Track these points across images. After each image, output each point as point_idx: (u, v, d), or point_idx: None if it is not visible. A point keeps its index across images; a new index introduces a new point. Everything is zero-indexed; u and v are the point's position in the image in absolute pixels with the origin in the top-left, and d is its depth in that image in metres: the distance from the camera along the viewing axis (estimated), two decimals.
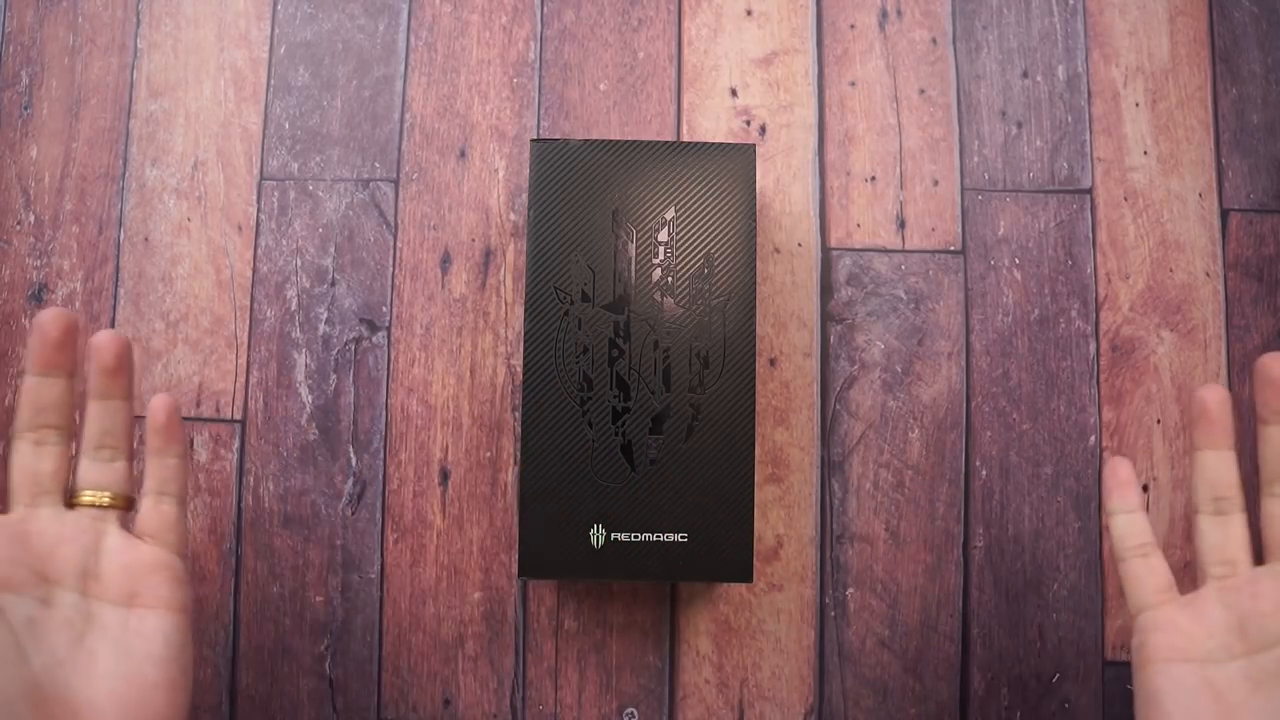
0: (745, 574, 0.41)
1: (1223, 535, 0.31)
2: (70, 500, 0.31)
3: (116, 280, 0.49)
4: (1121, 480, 0.33)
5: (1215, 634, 0.30)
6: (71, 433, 0.32)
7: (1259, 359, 0.30)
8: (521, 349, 0.49)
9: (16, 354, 0.49)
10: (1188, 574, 0.48)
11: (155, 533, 0.32)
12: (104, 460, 0.32)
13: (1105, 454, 0.48)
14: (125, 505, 0.32)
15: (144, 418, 0.47)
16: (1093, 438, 0.49)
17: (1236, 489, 0.31)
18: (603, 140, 0.43)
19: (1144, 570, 0.32)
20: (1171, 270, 0.50)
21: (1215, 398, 0.31)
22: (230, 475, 0.48)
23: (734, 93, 0.51)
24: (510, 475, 0.48)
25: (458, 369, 0.49)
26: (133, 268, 0.49)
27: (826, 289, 0.50)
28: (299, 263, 0.50)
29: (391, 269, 0.50)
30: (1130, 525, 0.33)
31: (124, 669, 0.29)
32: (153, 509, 0.32)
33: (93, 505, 0.31)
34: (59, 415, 0.30)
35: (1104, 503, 0.34)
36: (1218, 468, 0.31)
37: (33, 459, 0.30)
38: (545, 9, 0.51)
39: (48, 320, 0.30)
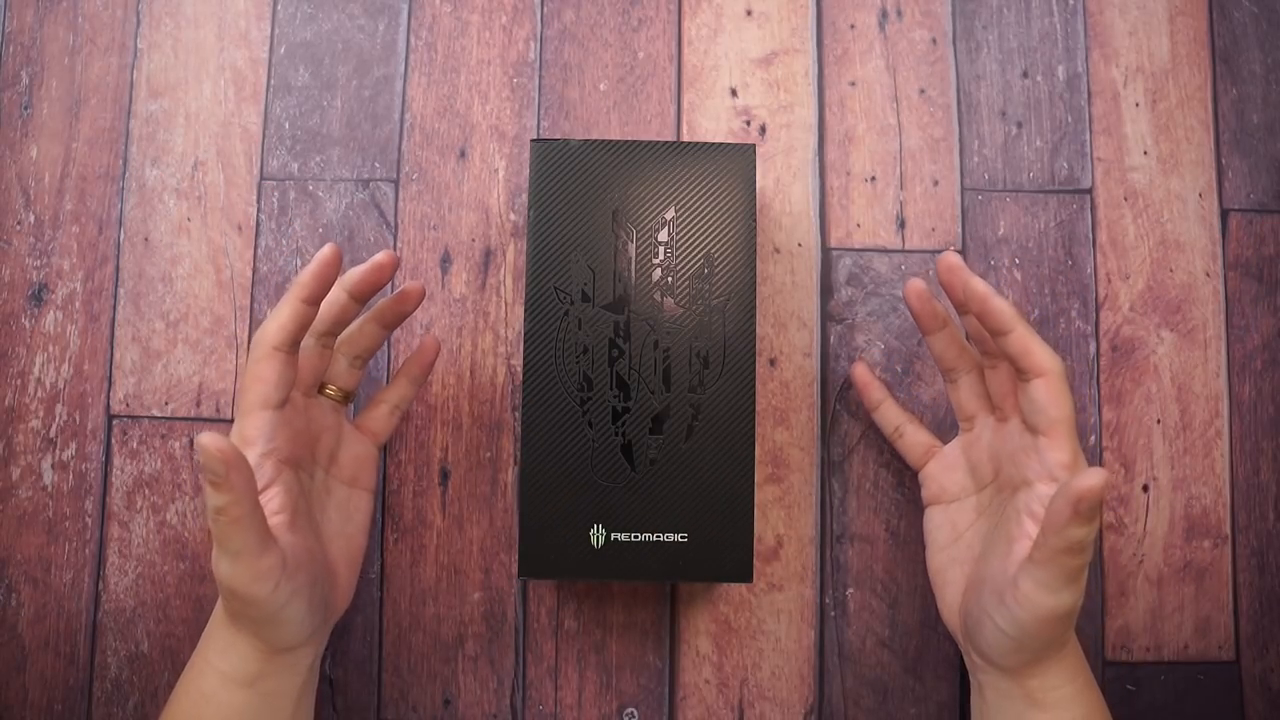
0: (745, 574, 0.41)
1: (959, 396, 0.40)
2: (320, 389, 0.39)
3: (116, 280, 0.49)
4: (862, 384, 0.43)
5: (956, 479, 0.39)
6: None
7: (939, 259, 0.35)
8: (521, 349, 0.49)
9: (17, 354, 0.49)
10: (1188, 572, 0.48)
11: (377, 431, 0.41)
12: (354, 366, 0.40)
13: (1105, 454, 0.49)
14: (347, 401, 0.40)
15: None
16: (1093, 438, 0.49)
17: (959, 359, 0.39)
18: (603, 140, 0.43)
19: (906, 445, 0.42)
20: (1171, 270, 0.50)
21: (915, 292, 0.38)
22: None
23: (734, 93, 0.51)
24: (510, 475, 0.48)
25: (458, 369, 0.49)
26: (133, 268, 0.49)
27: (826, 289, 0.50)
28: (299, 263, 0.50)
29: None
30: (883, 416, 0.43)
31: (345, 531, 0.39)
32: (385, 415, 0.42)
33: (331, 397, 0.39)
34: (341, 328, 0.38)
35: (864, 401, 0.43)
36: (939, 346, 0.39)
37: (317, 357, 0.38)
38: (545, 9, 0.51)
39: (385, 261, 0.37)
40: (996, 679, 0.35)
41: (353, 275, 0.37)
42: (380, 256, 0.37)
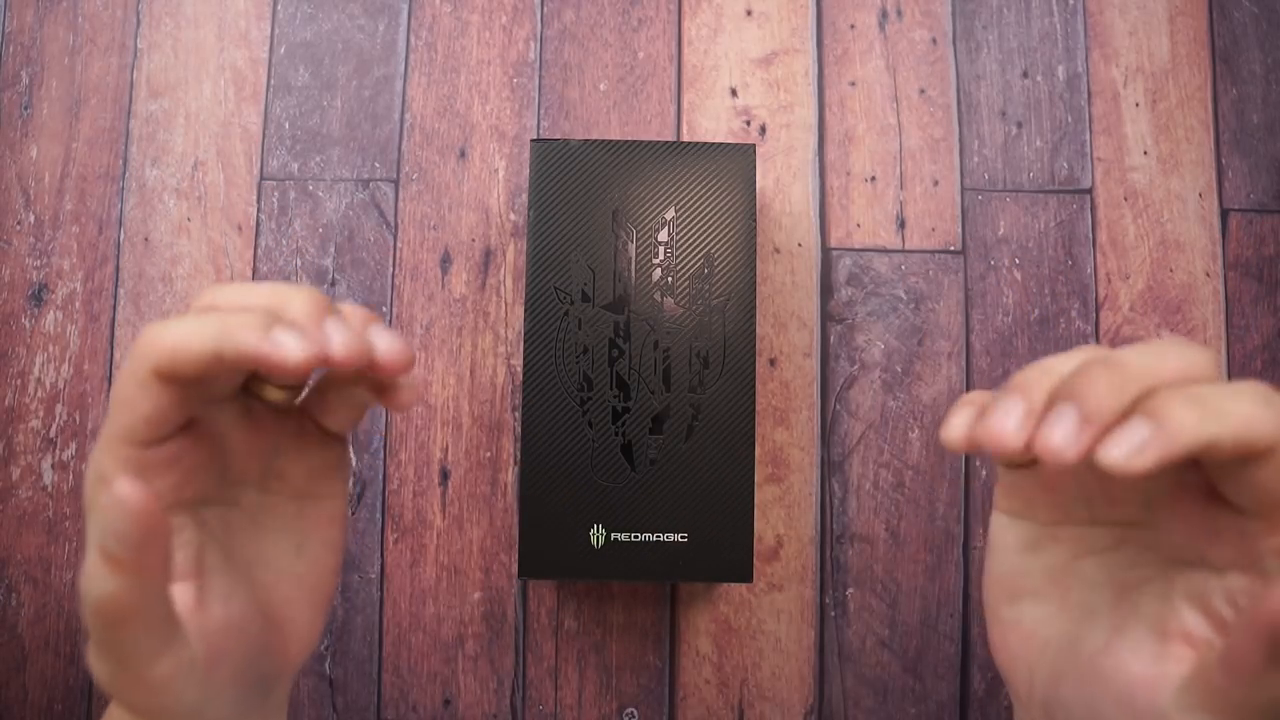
0: (745, 574, 0.41)
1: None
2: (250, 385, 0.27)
3: (116, 280, 0.49)
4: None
5: (1058, 501, 0.26)
6: None
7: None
8: (521, 349, 0.49)
9: (17, 354, 0.49)
10: None
11: (339, 426, 0.27)
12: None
13: None
14: (293, 397, 0.26)
15: None
16: None
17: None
18: (603, 140, 0.43)
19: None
20: (1171, 270, 0.50)
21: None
22: None
23: (734, 93, 0.51)
24: (510, 475, 0.48)
25: (458, 369, 0.49)
26: (133, 268, 0.49)
27: (826, 289, 0.50)
28: (299, 263, 0.50)
29: (391, 269, 0.50)
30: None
31: (301, 560, 0.27)
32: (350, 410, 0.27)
33: (268, 398, 0.25)
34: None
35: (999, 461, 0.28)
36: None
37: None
38: (545, 9, 0.51)
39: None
40: None
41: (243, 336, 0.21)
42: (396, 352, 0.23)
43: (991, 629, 0.27)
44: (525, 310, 0.42)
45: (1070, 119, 0.51)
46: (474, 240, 0.50)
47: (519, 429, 0.48)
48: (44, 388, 0.49)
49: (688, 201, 0.42)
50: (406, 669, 0.47)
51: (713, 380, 0.42)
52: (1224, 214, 0.50)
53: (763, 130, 0.51)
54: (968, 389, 0.49)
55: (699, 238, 0.42)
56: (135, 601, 0.20)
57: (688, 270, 0.42)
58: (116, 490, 0.19)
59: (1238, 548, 0.21)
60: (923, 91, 0.51)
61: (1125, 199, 0.50)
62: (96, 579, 0.20)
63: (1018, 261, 0.50)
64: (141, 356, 0.21)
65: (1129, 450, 0.19)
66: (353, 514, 0.48)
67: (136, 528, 0.20)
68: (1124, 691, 0.23)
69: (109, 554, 0.20)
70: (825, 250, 0.50)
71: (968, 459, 0.48)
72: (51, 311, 0.49)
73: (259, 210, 0.50)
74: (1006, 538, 0.27)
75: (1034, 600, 0.26)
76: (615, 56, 0.51)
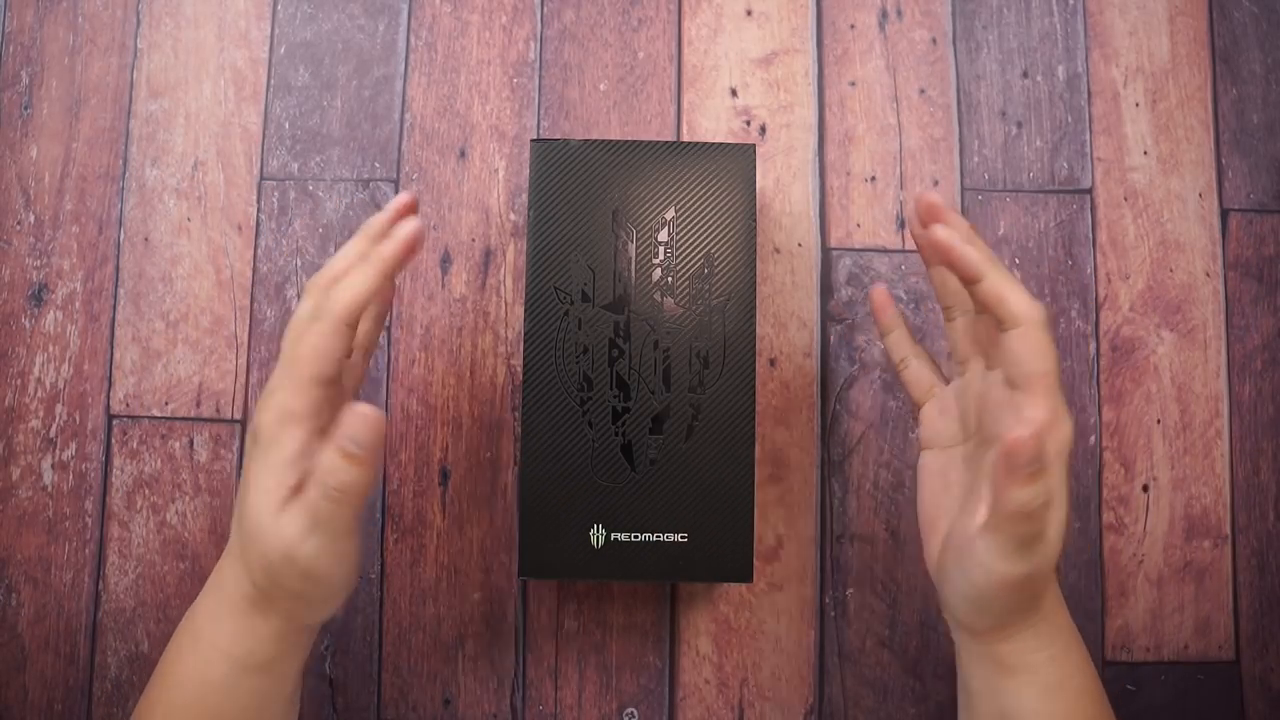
0: (745, 574, 0.41)
1: (954, 336, 0.36)
2: None
3: (116, 280, 0.49)
4: (879, 306, 0.39)
5: (948, 426, 0.36)
6: None
7: (918, 199, 0.32)
8: (521, 349, 0.49)
9: (17, 354, 0.49)
10: (1188, 572, 0.48)
11: (348, 385, 0.37)
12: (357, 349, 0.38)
13: (1105, 454, 0.49)
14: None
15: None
16: (1092, 438, 0.49)
17: (957, 296, 0.35)
18: (603, 140, 0.43)
19: (909, 379, 0.38)
20: (1171, 270, 0.50)
21: (923, 210, 0.34)
22: (230, 476, 0.48)
23: (734, 93, 0.51)
24: (510, 475, 0.48)
25: (458, 369, 0.49)
26: (133, 268, 0.49)
27: (826, 289, 0.50)
28: (299, 263, 0.50)
29: None
30: (893, 344, 0.39)
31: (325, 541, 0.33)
32: (358, 363, 0.38)
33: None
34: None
35: (877, 325, 0.39)
36: (938, 279, 0.36)
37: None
38: (545, 9, 0.51)
39: (418, 236, 0.33)
40: (968, 640, 0.34)
41: (388, 258, 0.32)
42: (408, 231, 0.32)
43: (927, 545, 0.35)
44: (525, 310, 0.42)
45: (1070, 119, 0.51)
46: (474, 240, 0.50)
47: (519, 429, 0.48)
48: (44, 388, 0.49)
49: (688, 201, 0.42)
50: (406, 669, 0.47)
51: (713, 380, 0.42)
52: (1224, 214, 0.50)
53: (763, 130, 0.51)
54: None
55: (699, 238, 0.42)
56: (364, 487, 0.29)
57: (688, 270, 0.42)
58: (361, 409, 0.28)
59: (1015, 419, 0.30)
60: (923, 91, 0.51)
61: (1125, 199, 0.50)
62: (340, 472, 0.28)
63: (1018, 261, 0.50)
64: (330, 316, 0.30)
65: (963, 249, 0.30)
66: None
67: (375, 435, 0.28)
68: (960, 542, 0.32)
69: (350, 454, 0.28)
70: (825, 250, 0.50)
71: None
72: (51, 311, 0.49)
73: (259, 210, 0.50)
74: (929, 469, 0.36)
75: (944, 518, 0.35)
76: (615, 56, 0.51)
